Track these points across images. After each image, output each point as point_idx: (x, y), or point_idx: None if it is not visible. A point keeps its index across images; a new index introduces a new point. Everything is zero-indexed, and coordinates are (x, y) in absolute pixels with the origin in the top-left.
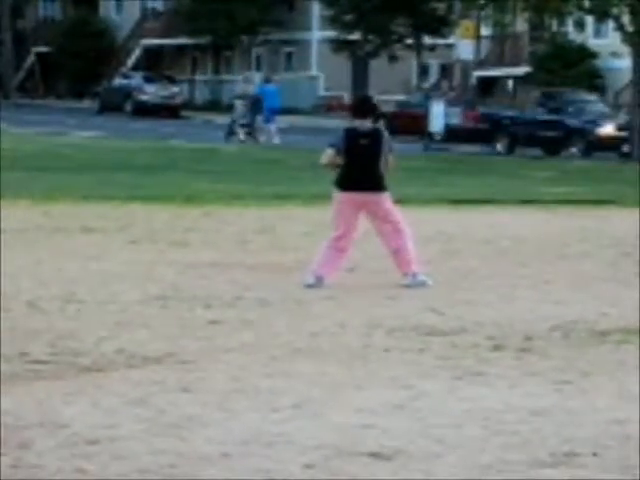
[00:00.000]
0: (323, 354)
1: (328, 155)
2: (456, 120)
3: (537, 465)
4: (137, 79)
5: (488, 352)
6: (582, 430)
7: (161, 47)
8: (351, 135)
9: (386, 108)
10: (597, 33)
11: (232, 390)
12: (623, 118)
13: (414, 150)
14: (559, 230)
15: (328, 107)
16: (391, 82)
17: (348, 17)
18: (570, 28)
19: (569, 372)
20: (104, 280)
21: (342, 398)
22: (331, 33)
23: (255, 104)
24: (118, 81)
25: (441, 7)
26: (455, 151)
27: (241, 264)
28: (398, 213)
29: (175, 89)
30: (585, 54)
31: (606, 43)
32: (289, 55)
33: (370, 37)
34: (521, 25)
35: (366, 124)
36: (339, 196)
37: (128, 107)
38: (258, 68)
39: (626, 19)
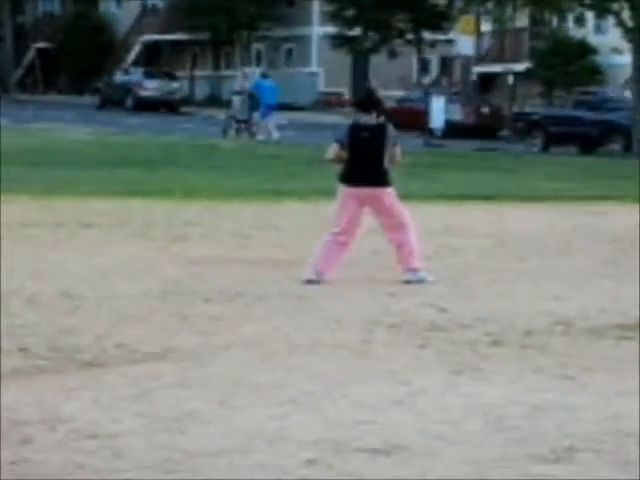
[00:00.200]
0: (323, 349)
1: (333, 150)
2: (457, 116)
3: (537, 461)
4: (137, 75)
5: (488, 348)
6: (582, 426)
7: (161, 43)
8: (355, 130)
9: (386, 104)
10: (597, 29)
11: (232, 385)
12: None
13: (414, 146)
14: (559, 226)
15: (327, 103)
16: (391, 78)
17: (348, 13)
18: (570, 24)
19: (569, 368)
20: (104, 275)
21: (342, 394)
22: (331, 29)
23: (251, 100)
24: (118, 77)
25: (441, 3)
26: (456, 147)
27: (241, 259)
28: (403, 208)
29: (175, 85)
30: (585, 50)
31: (606, 39)
32: (289, 51)
33: (370, 33)
34: (521, 21)
35: (370, 119)
36: (343, 190)
37: (128, 103)
38: (258, 64)
39: (626, 15)
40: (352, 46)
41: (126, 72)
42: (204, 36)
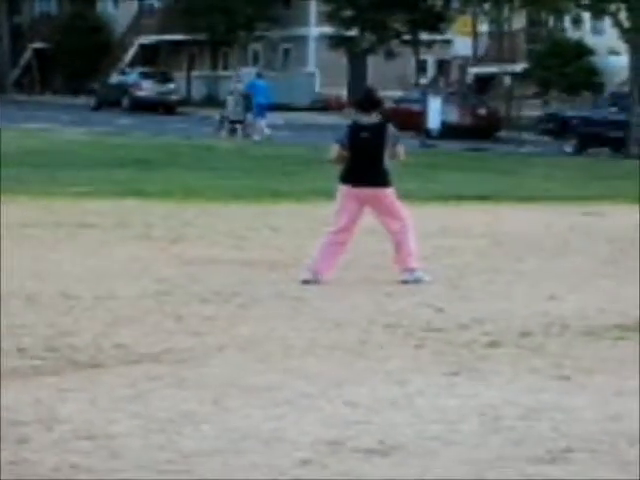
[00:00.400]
0: (319, 350)
1: (334, 151)
2: (453, 117)
3: (534, 461)
4: (134, 75)
5: (485, 348)
6: (579, 426)
7: (158, 43)
8: (355, 130)
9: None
10: (594, 30)
11: (228, 386)
12: None
13: (411, 146)
14: (556, 226)
15: (325, 103)
16: (388, 78)
17: (345, 13)
18: (567, 25)
19: (566, 368)
20: (101, 276)
21: (338, 394)
22: (328, 29)
23: (246, 100)
24: (115, 77)
25: (438, 3)
26: (452, 147)
27: (237, 260)
28: (403, 208)
29: (172, 85)
30: (582, 51)
31: (603, 40)
32: (286, 51)
33: (367, 33)
34: (518, 22)
35: (370, 118)
36: (343, 190)
37: (125, 103)
38: (255, 64)
39: (623, 16)
40: (349, 47)
41: (123, 73)
42: (201, 37)
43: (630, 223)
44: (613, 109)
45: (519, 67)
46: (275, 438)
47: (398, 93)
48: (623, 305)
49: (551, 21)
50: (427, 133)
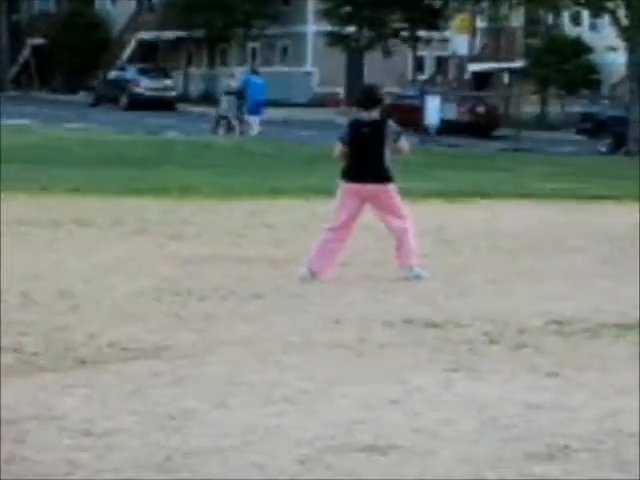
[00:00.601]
0: (318, 348)
1: (338, 148)
2: (451, 114)
3: (532, 459)
4: (132, 72)
5: (483, 346)
6: (577, 425)
7: (156, 40)
8: (355, 126)
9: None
10: (592, 27)
11: (227, 384)
12: None
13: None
14: (555, 225)
15: (323, 102)
16: (386, 76)
17: (343, 10)
18: (566, 22)
19: (564, 367)
20: (99, 273)
21: (337, 392)
22: (326, 27)
23: (241, 97)
24: (113, 74)
25: (436, 1)
26: (451, 145)
27: (236, 257)
28: (403, 205)
29: (170, 82)
30: (580, 48)
31: (601, 37)
32: (284, 49)
33: (365, 31)
34: (516, 19)
35: (370, 115)
36: (344, 187)
37: (123, 100)
38: (253, 62)
39: (621, 13)
40: (347, 44)
41: (121, 69)
42: (199, 34)
43: (629, 222)
44: None
45: (517, 64)
46: (274, 436)
47: (396, 90)
48: (622, 304)
49: (549, 18)
50: (425, 130)
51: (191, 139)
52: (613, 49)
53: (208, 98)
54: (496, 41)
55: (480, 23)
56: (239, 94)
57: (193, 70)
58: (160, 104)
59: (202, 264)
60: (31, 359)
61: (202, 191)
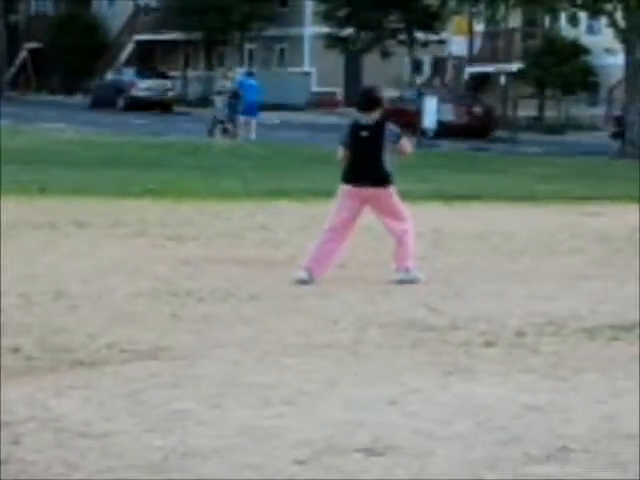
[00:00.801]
0: (315, 349)
1: (340, 152)
2: (449, 116)
3: (529, 461)
4: (129, 74)
5: (480, 348)
6: (574, 426)
7: (154, 42)
8: (355, 129)
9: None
10: (590, 29)
11: (224, 385)
12: None
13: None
14: (551, 226)
15: (320, 103)
16: (384, 78)
17: (341, 13)
18: (563, 24)
19: (560, 368)
20: (97, 275)
21: (334, 393)
22: (324, 29)
23: (235, 99)
24: (110, 76)
25: (434, 3)
26: (449, 147)
27: (233, 259)
28: (402, 207)
29: (168, 84)
30: (578, 50)
31: (599, 39)
32: (282, 51)
33: (363, 33)
34: (514, 21)
35: (370, 117)
36: (344, 189)
37: (120, 102)
38: (250, 64)
39: (619, 15)
40: (345, 46)
41: (118, 71)
42: (197, 36)
43: (625, 223)
44: None
45: (515, 66)
46: (271, 437)
47: (394, 93)
48: (618, 305)
49: (547, 20)
50: (423, 133)
51: (189, 141)
52: (611, 51)
53: (206, 100)
54: (493, 43)
55: (477, 25)
56: (233, 95)
57: (191, 72)
58: (158, 106)
59: (200, 265)
60: (28, 360)
61: (200, 193)
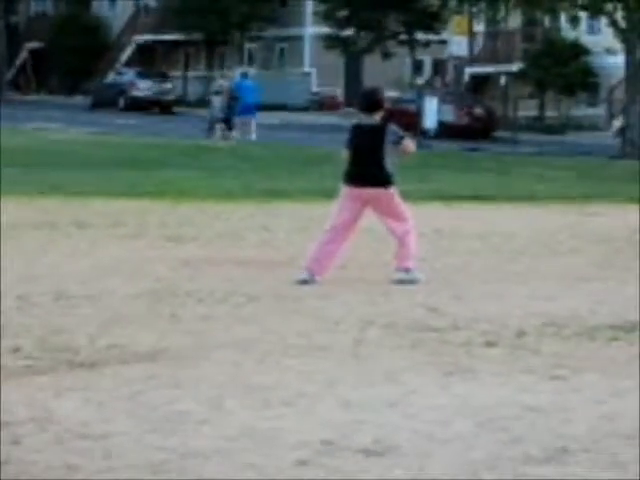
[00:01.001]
0: (315, 350)
1: (344, 154)
2: (449, 117)
3: (529, 461)
4: (130, 75)
5: (480, 348)
6: (574, 426)
7: (154, 43)
8: (356, 130)
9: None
10: (590, 30)
11: (224, 386)
12: None
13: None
14: (551, 226)
15: (321, 104)
16: (384, 78)
17: (341, 13)
18: (563, 25)
19: (561, 368)
20: (97, 275)
21: (334, 394)
22: (324, 29)
23: (233, 100)
24: (111, 77)
25: (434, 3)
26: (449, 148)
27: (233, 260)
28: (404, 208)
29: (168, 85)
30: (578, 51)
31: (599, 40)
32: (282, 51)
33: (363, 33)
34: (514, 22)
35: (371, 119)
36: (345, 190)
37: (121, 103)
38: (250, 64)
39: (619, 15)
40: (345, 47)
41: (119, 72)
42: (197, 36)
43: (624, 224)
44: None
45: (515, 67)
46: (271, 438)
47: (394, 93)
48: (618, 306)
49: (547, 21)
50: (423, 133)
51: (189, 141)
52: (611, 51)
53: (206, 101)
54: (494, 43)
55: (478, 25)
56: (230, 96)
57: (191, 73)
58: (158, 107)
59: (200, 266)
60: (28, 361)
61: (200, 193)
